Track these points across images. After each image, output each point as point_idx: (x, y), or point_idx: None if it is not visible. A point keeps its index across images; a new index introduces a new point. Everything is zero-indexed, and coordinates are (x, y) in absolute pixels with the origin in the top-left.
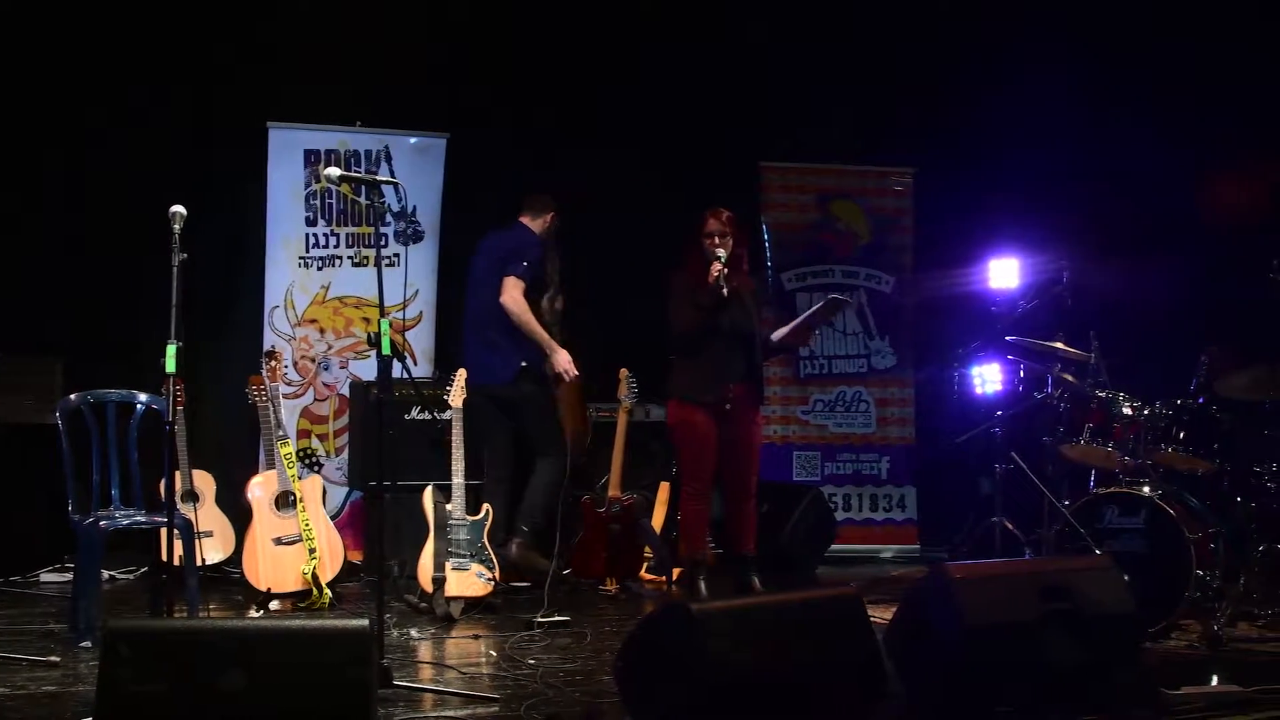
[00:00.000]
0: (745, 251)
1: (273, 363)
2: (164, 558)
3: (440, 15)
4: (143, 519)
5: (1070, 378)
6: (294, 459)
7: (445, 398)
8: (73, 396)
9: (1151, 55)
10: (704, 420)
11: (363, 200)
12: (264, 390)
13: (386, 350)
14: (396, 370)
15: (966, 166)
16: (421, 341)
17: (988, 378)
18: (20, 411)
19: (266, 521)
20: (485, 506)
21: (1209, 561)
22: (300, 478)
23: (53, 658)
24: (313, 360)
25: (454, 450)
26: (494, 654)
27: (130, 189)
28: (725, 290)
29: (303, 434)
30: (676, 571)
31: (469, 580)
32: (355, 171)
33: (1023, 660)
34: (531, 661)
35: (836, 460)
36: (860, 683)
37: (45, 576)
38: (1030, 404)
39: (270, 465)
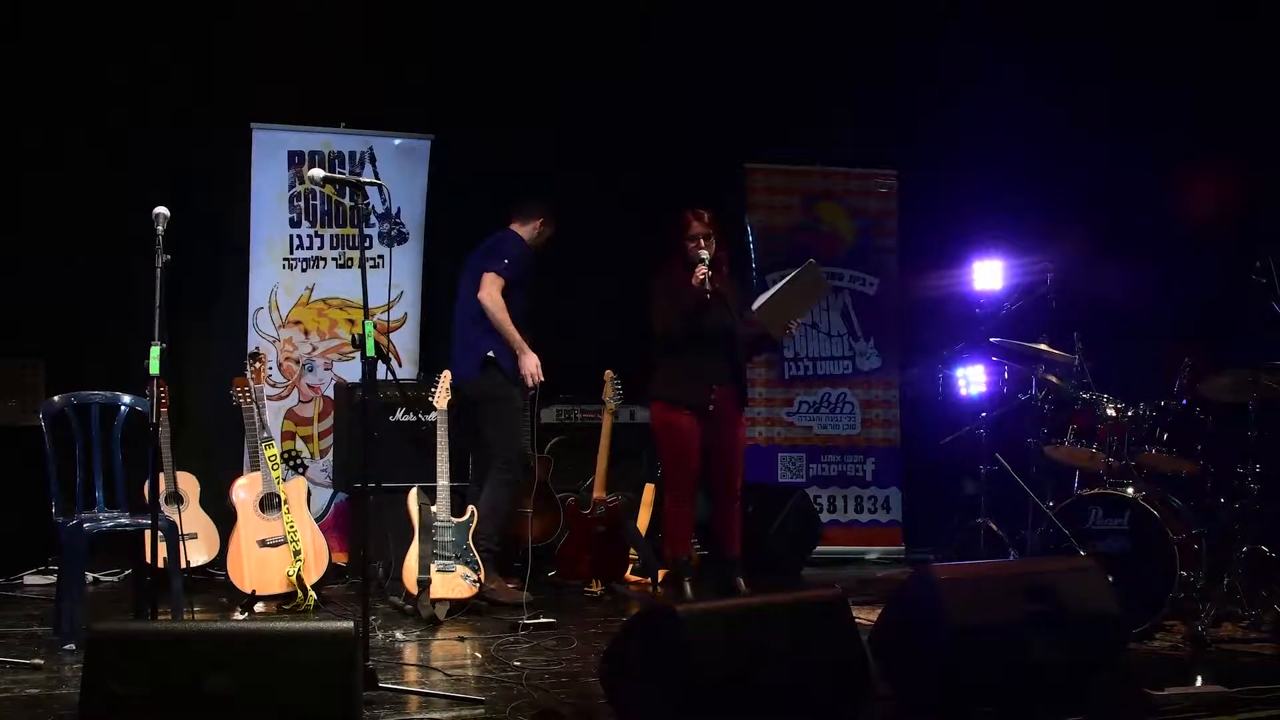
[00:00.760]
0: (726, 253)
1: (257, 364)
2: (148, 560)
3: (424, 16)
4: (126, 521)
5: (1054, 379)
6: (278, 461)
7: (430, 399)
8: (56, 398)
9: (1131, 59)
10: (687, 422)
11: (347, 201)
12: (248, 392)
13: (371, 352)
14: (381, 372)
15: (951, 168)
16: (406, 343)
17: (972, 379)
18: (3, 413)
19: (251, 524)
20: (470, 508)
21: (1193, 562)
22: (285, 480)
23: (36, 660)
24: (297, 362)
25: (439, 452)
26: (479, 656)
27: (113, 190)
28: (709, 293)
29: (287, 436)
30: (661, 573)
31: (454, 582)
32: (339, 173)
33: (1008, 661)
34: (517, 663)
35: (821, 462)
36: (845, 684)
37: (28, 579)
38: (1015, 405)
39: (255, 467)
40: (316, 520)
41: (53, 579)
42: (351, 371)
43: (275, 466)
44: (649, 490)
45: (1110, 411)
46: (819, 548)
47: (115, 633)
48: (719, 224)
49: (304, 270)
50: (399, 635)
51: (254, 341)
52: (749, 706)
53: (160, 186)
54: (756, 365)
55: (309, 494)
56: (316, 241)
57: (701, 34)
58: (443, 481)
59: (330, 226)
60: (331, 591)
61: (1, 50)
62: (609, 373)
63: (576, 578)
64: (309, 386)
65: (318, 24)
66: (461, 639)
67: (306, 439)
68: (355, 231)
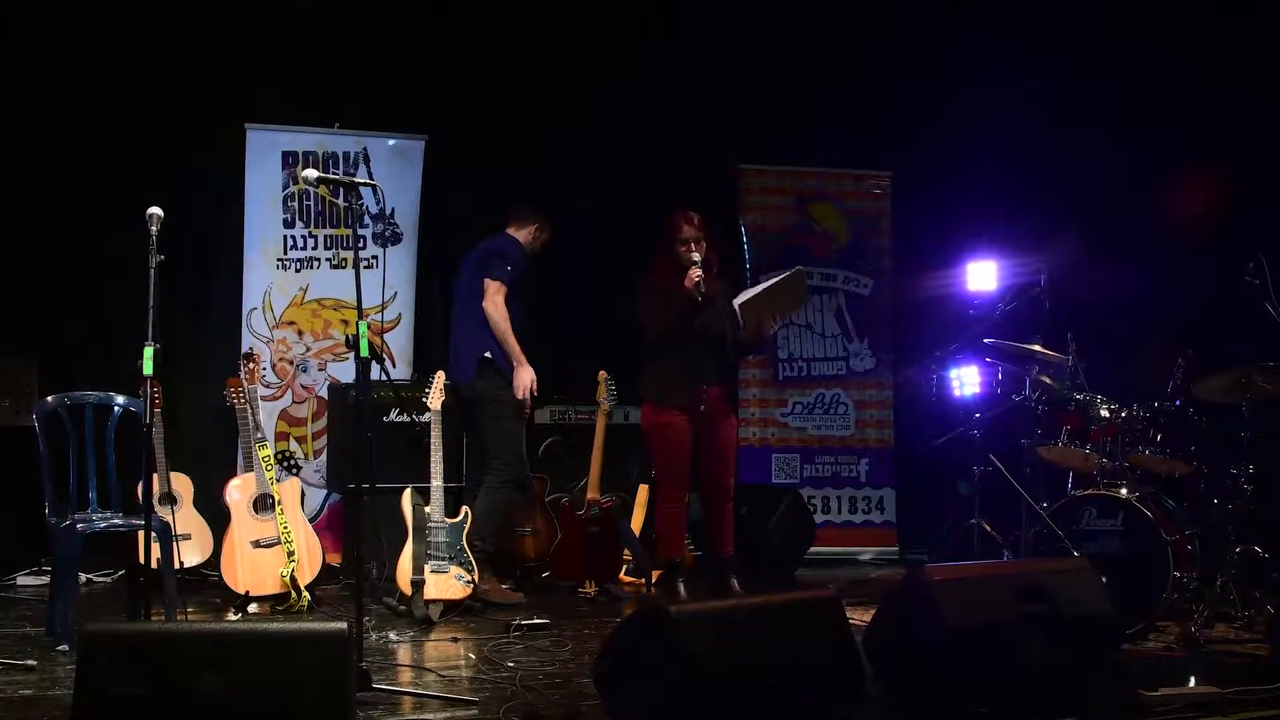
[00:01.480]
0: (716, 254)
1: (251, 365)
2: (141, 561)
3: (419, 16)
4: (120, 522)
5: (1048, 380)
6: (272, 461)
7: (424, 400)
8: (49, 398)
9: (1124, 60)
10: (679, 423)
11: (341, 202)
12: (242, 392)
13: (365, 352)
14: (375, 372)
15: (945, 169)
16: (400, 343)
17: (966, 380)
18: None
19: (245, 524)
20: (464, 509)
21: (1186, 563)
22: (278, 480)
23: (29, 661)
24: (291, 362)
25: (433, 453)
26: (473, 657)
27: (106, 190)
28: (701, 295)
29: (281, 436)
30: (655, 574)
31: (448, 583)
32: (333, 173)
33: (1001, 662)
34: (511, 664)
35: (815, 462)
36: (839, 684)
37: (21, 580)
38: (1008, 406)
39: (248, 468)
40: (310, 521)
41: (46, 580)
42: (345, 372)
43: (269, 467)
44: (643, 491)
45: (1104, 412)
46: (813, 548)
47: (109, 634)
48: (709, 226)
49: (298, 271)
50: (393, 636)
51: (248, 342)
52: (742, 707)
53: (154, 186)
54: (750, 366)
55: (303, 495)
56: (310, 242)
57: (696, 36)
58: (436, 482)
59: (324, 227)
60: (325, 592)
61: None
62: (603, 374)
63: (570, 578)
64: (303, 387)
65: (312, 24)
66: (455, 640)
67: (300, 440)
68: (349, 232)
